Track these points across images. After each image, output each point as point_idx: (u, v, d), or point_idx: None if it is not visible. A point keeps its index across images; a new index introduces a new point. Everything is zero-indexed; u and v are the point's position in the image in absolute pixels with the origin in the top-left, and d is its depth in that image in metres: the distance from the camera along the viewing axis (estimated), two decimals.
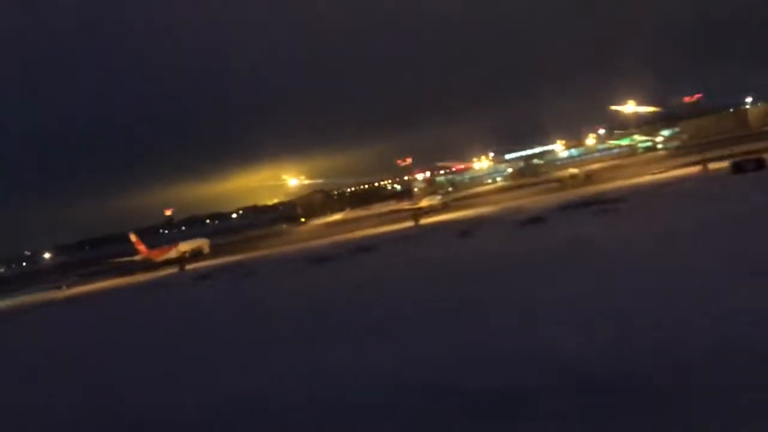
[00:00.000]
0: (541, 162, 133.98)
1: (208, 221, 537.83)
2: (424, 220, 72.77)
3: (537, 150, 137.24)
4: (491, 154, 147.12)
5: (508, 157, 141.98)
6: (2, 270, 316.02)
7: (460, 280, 31.07)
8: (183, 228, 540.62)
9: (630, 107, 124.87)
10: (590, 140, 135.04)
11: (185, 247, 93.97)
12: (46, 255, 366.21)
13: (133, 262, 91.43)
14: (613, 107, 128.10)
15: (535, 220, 51.14)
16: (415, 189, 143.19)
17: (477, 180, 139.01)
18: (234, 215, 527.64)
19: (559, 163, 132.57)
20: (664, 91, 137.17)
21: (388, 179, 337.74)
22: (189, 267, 75.99)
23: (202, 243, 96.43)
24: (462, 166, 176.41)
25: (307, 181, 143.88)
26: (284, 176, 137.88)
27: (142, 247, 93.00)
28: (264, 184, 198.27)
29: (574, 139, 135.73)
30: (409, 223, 73.41)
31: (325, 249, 62.40)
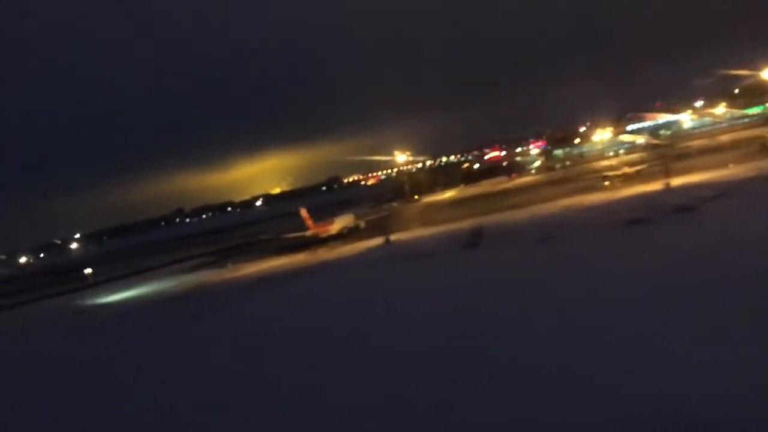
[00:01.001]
0: (669, 132, 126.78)
1: (230, 209, 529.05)
2: (674, 183, 64.47)
3: (661, 121, 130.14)
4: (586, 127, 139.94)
5: (630, 128, 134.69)
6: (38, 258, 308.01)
7: None
8: (207, 215, 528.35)
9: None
10: (719, 110, 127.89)
11: (342, 222, 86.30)
12: (74, 245, 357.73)
13: (304, 237, 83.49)
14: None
15: None
16: (536, 163, 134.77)
17: (596, 153, 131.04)
18: (258, 203, 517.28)
19: (690, 133, 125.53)
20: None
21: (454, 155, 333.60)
22: (394, 239, 67.95)
23: (355, 219, 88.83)
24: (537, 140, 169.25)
25: (411, 158, 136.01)
26: (395, 152, 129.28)
27: (311, 223, 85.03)
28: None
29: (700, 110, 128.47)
30: (652, 186, 65.53)
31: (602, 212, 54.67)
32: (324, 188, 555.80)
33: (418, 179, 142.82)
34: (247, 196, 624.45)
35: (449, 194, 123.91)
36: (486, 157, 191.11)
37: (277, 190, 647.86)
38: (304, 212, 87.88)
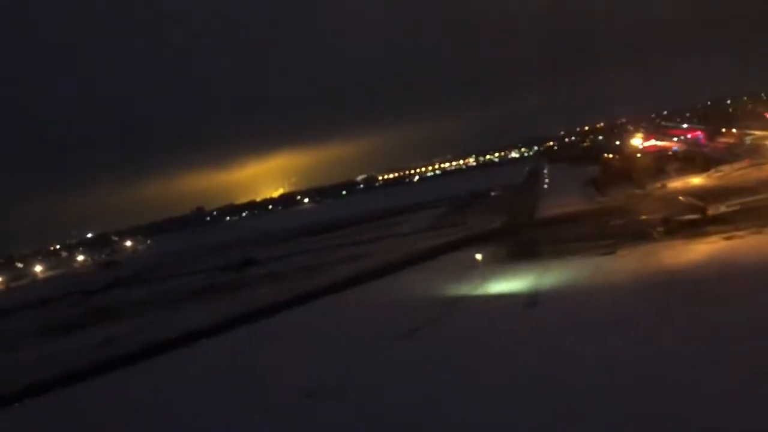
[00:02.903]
0: None
1: (270, 207, 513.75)
2: None
3: None
4: None
5: None
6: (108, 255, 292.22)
7: None
8: (245, 214, 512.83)
9: None
10: None
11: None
12: (128, 243, 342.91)
13: (693, 218, 70.60)
14: None
15: None
16: None
17: None
18: (306, 200, 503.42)
19: None
20: None
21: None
22: None
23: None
24: None
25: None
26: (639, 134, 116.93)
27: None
28: None
29: None
30: None
31: None
32: (361, 186, 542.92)
33: (639, 164, 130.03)
34: (260, 196, 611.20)
35: (698, 180, 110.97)
36: (644, 145, 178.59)
37: (280, 191, 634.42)
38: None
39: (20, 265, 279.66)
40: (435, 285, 69.29)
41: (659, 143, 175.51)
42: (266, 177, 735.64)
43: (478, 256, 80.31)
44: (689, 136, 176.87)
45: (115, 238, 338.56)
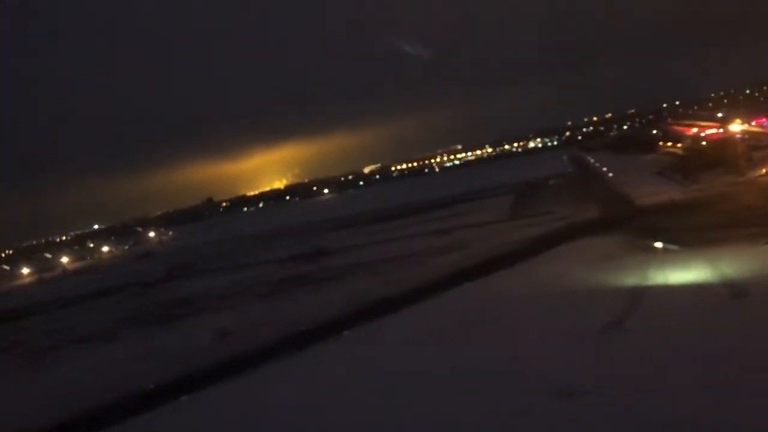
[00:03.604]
0: None
1: (288, 197, 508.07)
2: None
3: None
4: None
5: None
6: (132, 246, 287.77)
7: None
8: (261, 204, 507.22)
9: None
10: None
11: None
12: (151, 234, 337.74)
13: None
14: None
15: None
16: None
17: None
18: (326, 191, 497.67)
19: None
20: None
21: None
22: None
23: None
24: None
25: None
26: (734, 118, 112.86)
27: None
28: None
29: None
30: None
31: None
32: (377, 177, 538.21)
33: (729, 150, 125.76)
34: (266, 187, 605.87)
35: None
36: (704, 134, 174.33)
37: (283, 182, 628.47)
38: None
39: (48, 256, 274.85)
40: (585, 276, 64.68)
41: (720, 130, 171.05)
42: (271, 168, 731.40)
43: (613, 246, 76.23)
44: (753, 123, 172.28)
45: (139, 229, 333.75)
